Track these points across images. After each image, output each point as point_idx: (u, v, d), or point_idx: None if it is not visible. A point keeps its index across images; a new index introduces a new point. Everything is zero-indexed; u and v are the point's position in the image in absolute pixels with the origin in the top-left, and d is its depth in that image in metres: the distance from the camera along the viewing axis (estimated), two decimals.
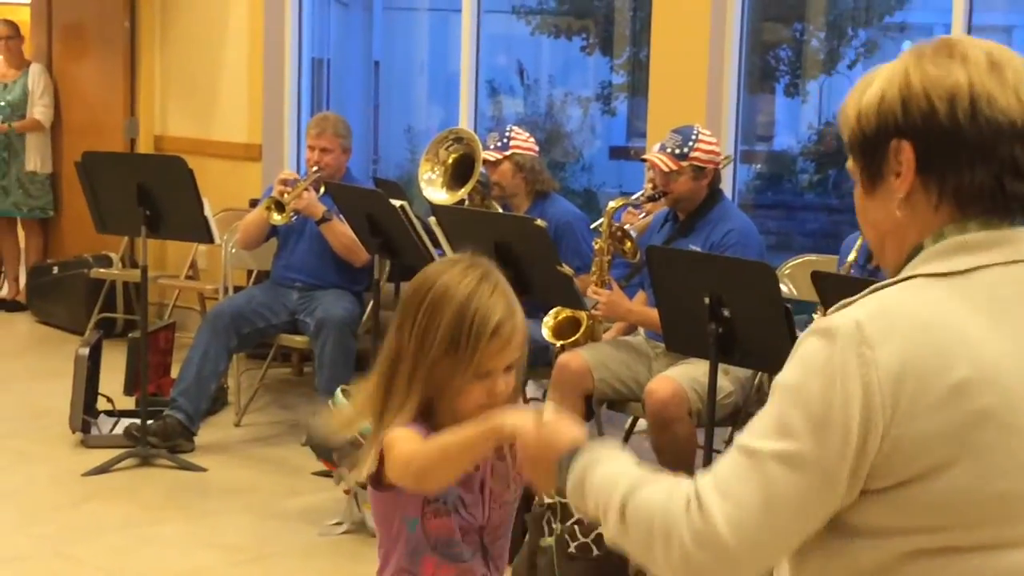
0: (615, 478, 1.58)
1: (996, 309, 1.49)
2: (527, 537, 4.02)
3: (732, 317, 4.10)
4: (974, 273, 1.50)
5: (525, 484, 2.15)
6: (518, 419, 1.77)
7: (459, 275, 2.06)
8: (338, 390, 4.84)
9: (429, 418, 2.06)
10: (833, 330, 1.47)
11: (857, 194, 1.64)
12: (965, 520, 1.45)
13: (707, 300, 4.10)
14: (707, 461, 4.29)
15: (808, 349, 1.50)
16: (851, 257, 4.54)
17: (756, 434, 1.50)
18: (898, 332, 1.45)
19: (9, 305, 8.41)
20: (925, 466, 1.44)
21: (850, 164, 1.63)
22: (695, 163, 4.77)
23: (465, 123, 6.79)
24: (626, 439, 5.21)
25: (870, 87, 1.58)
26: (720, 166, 4.96)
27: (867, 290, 1.55)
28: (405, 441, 1.97)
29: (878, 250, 1.65)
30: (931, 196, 1.54)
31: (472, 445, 1.88)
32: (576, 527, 4.20)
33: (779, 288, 4.22)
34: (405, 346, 2.05)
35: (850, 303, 1.52)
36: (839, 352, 1.45)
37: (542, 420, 1.74)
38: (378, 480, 2.05)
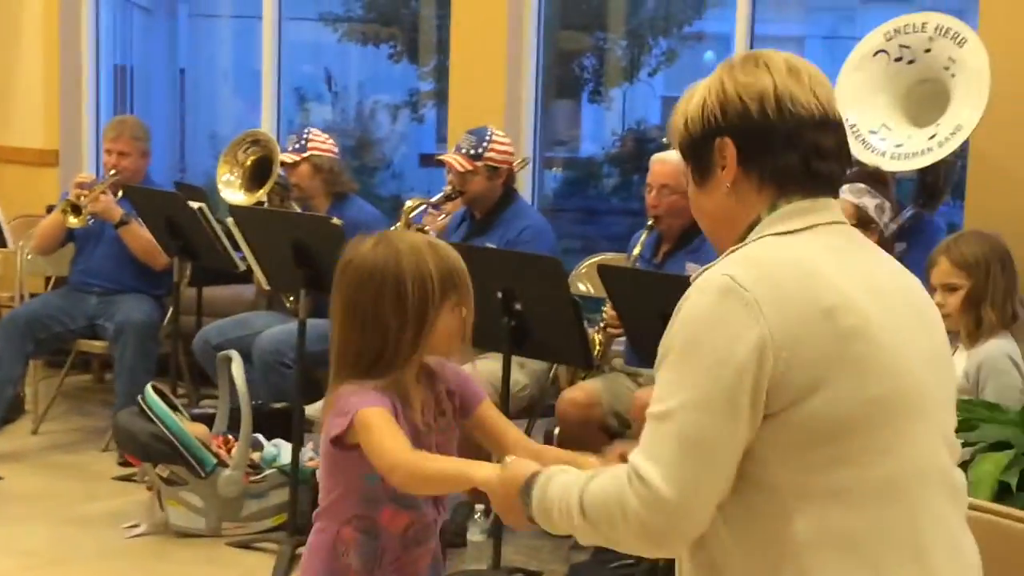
0: (567, 486, 1.76)
1: (834, 254, 1.77)
2: None
3: (524, 311, 4.23)
4: (809, 230, 1.78)
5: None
6: (487, 472, 1.99)
7: (410, 251, 2.29)
8: (148, 386, 4.85)
9: (378, 371, 2.26)
10: (709, 286, 1.70)
11: (691, 191, 1.90)
12: (848, 427, 1.67)
13: (500, 295, 4.26)
14: None
15: (688, 308, 1.71)
16: (636, 251, 4.75)
17: (659, 399, 1.69)
18: (768, 274, 1.69)
19: None
20: (812, 382, 1.65)
21: (682, 166, 1.91)
22: (489, 163, 4.92)
23: (268, 128, 6.81)
24: None
25: (693, 98, 1.85)
26: (515, 167, 5.12)
27: (724, 254, 1.80)
28: (388, 436, 2.17)
29: (713, 236, 1.90)
30: (753, 181, 1.81)
31: (449, 482, 2.15)
32: None
33: (567, 281, 4.38)
34: (372, 326, 2.26)
35: (711, 266, 1.75)
36: (719, 301, 1.67)
37: (504, 470, 1.94)
38: (341, 441, 2.24)
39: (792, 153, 1.78)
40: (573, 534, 1.78)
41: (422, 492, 2.23)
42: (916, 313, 1.82)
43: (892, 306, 1.76)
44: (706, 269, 1.74)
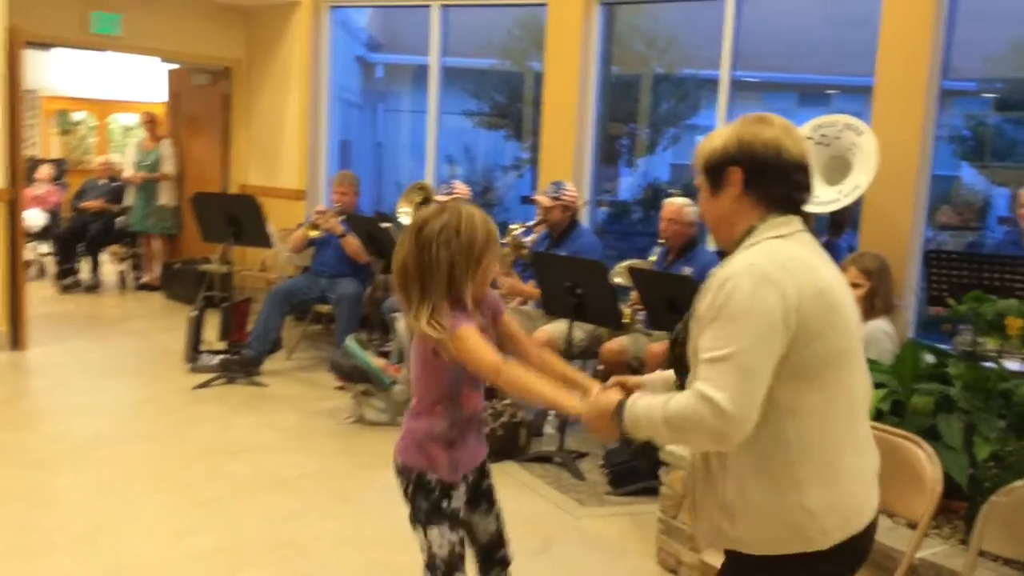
0: (650, 406, 1.60)
1: (813, 252, 1.62)
2: None
3: (582, 293, 4.24)
4: (790, 236, 1.61)
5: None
6: (573, 402, 1.78)
7: (466, 209, 2.02)
8: (348, 338, 4.93)
9: (455, 299, 1.96)
10: (746, 271, 1.53)
11: (703, 197, 1.70)
12: (828, 364, 1.56)
13: (567, 283, 4.26)
14: None
15: (726, 287, 1.53)
16: (652, 259, 4.70)
17: (718, 347, 1.51)
18: (782, 263, 1.54)
19: (149, 288, 8.35)
20: (811, 336, 1.53)
21: (699, 180, 1.70)
22: (563, 203, 4.90)
23: (429, 180, 6.85)
24: None
25: (715, 138, 1.68)
26: (579, 206, 5.09)
27: (736, 251, 1.62)
28: (483, 348, 1.89)
29: (715, 231, 1.71)
30: (751, 199, 1.64)
31: (541, 400, 1.85)
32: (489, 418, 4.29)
33: (608, 277, 4.36)
34: (437, 259, 1.95)
35: (728, 260, 1.58)
36: (749, 281, 1.51)
37: (590, 399, 1.75)
38: (437, 351, 1.93)
39: (781, 185, 1.63)
40: (655, 438, 1.60)
41: (514, 396, 1.96)
42: (849, 293, 1.67)
43: (844, 288, 1.63)
44: (721, 266, 1.58)
